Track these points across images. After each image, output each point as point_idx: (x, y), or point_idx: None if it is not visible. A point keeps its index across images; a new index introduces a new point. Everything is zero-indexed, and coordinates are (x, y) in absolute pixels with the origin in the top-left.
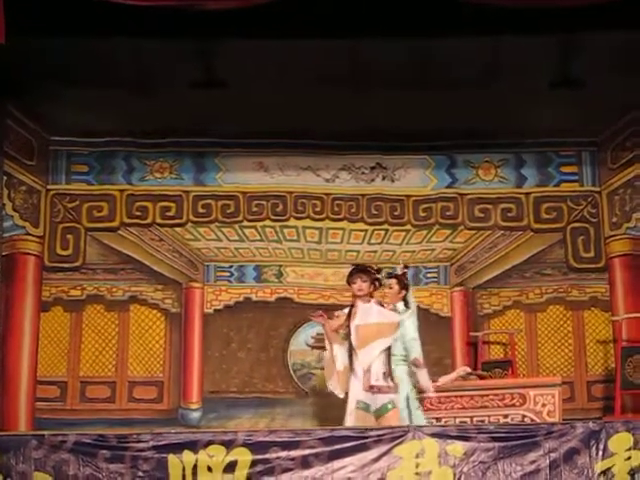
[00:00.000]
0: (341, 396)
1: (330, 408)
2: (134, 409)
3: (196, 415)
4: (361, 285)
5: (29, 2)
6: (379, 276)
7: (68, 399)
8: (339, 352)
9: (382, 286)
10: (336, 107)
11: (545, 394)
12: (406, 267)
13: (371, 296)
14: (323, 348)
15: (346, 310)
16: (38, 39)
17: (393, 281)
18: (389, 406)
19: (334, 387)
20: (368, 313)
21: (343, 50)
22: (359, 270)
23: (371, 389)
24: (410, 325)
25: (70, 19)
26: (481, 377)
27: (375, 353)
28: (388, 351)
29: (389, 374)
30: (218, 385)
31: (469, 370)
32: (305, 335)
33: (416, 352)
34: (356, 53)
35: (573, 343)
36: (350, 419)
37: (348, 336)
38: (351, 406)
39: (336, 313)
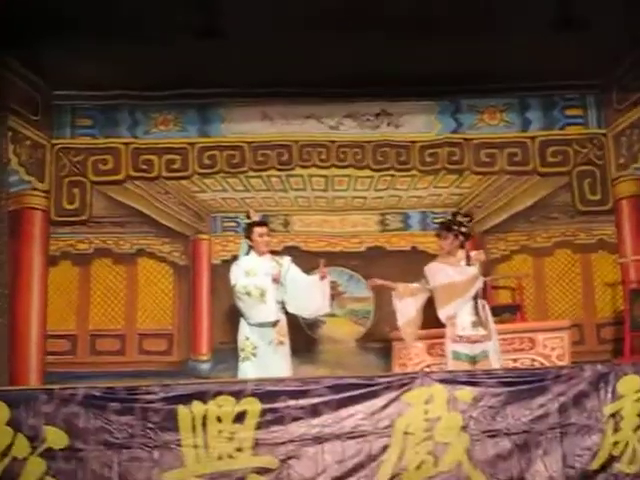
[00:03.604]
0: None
1: (340, 355)
2: (144, 361)
3: (206, 366)
4: (442, 244)
5: None
6: (463, 230)
7: (78, 352)
8: (400, 307)
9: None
10: (338, 54)
11: (554, 338)
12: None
13: (461, 247)
14: (331, 295)
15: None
16: None
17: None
18: (481, 356)
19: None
20: (445, 273)
21: None
22: (440, 228)
23: (460, 339)
24: None
25: None
26: None
27: (454, 311)
28: (475, 302)
29: (480, 323)
30: (228, 336)
31: None
32: None
33: None
34: None
35: (581, 286)
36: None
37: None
38: (449, 356)
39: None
